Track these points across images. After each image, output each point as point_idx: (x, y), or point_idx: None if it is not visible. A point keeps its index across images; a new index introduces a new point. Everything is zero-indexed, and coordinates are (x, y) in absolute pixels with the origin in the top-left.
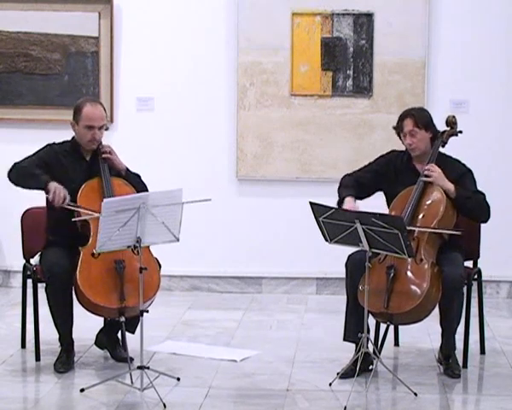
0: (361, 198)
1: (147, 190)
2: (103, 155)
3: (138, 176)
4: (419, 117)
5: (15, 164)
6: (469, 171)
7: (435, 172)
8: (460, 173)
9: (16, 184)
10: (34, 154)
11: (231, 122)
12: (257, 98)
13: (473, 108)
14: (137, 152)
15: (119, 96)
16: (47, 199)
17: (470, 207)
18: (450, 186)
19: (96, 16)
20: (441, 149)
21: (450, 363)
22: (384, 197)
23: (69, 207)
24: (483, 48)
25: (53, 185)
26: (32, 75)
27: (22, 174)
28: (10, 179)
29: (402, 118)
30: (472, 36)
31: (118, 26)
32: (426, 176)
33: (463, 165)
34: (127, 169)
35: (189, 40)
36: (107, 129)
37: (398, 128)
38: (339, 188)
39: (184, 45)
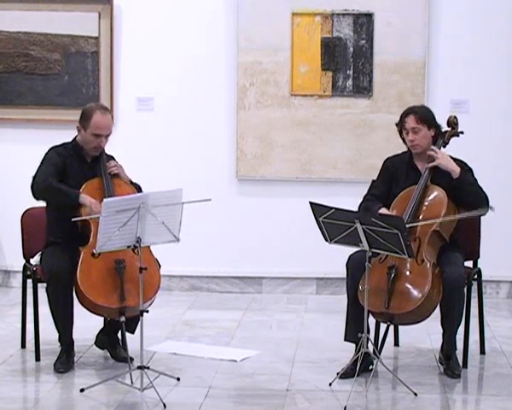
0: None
1: None
2: (112, 173)
3: (140, 188)
4: (422, 114)
5: (36, 180)
6: (470, 169)
7: (439, 153)
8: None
9: (43, 200)
10: (44, 162)
11: (231, 122)
12: (257, 98)
13: (473, 108)
14: (137, 152)
15: (119, 96)
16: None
17: (472, 192)
18: (456, 167)
19: (96, 16)
20: (442, 150)
21: (450, 363)
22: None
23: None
24: (483, 48)
25: (87, 199)
26: (32, 75)
27: (50, 192)
28: (36, 197)
29: (404, 115)
30: (472, 35)
31: (118, 26)
32: (431, 161)
33: (464, 163)
34: (130, 181)
35: (189, 40)
36: None
37: (401, 125)
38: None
39: (184, 45)
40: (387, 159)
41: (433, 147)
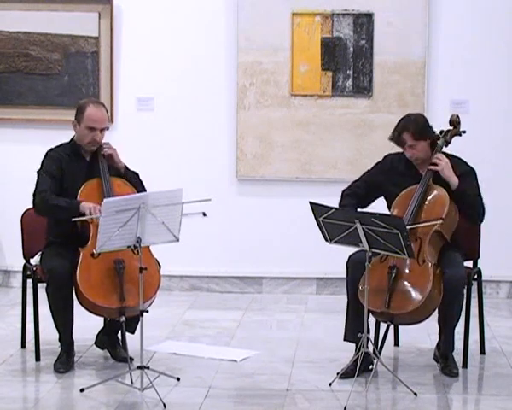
0: (363, 207)
1: (145, 190)
2: (103, 152)
3: (137, 175)
4: (416, 129)
5: (36, 198)
6: (472, 170)
7: (443, 161)
8: (463, 172)
9: (47, 217)
10: (41, 173)
11: (231, 122)
12: (257, 98)
13: (473, 108)
14: (137, 152)
15: (119, 96)
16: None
17: (467, 204)
18: (455, 179)
19: (96, 16)
20: (445, 149)
21: (447, 362)
22: (384, 199)
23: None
24: (483, 47)
25: (86, 206)
26: (32, 75)
27: (50, 210)
28: (40, 215)
29: (399, 132)
30: (472, 35)
31: (118, 26)
32: (434, 164)
33: (467, 164)
34: (126, 167)
35: (189, 40)
36: (107, 129)
37: (396, 141)
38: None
39: (184, 45)
40: (388, 155)
41: (438, 155)
